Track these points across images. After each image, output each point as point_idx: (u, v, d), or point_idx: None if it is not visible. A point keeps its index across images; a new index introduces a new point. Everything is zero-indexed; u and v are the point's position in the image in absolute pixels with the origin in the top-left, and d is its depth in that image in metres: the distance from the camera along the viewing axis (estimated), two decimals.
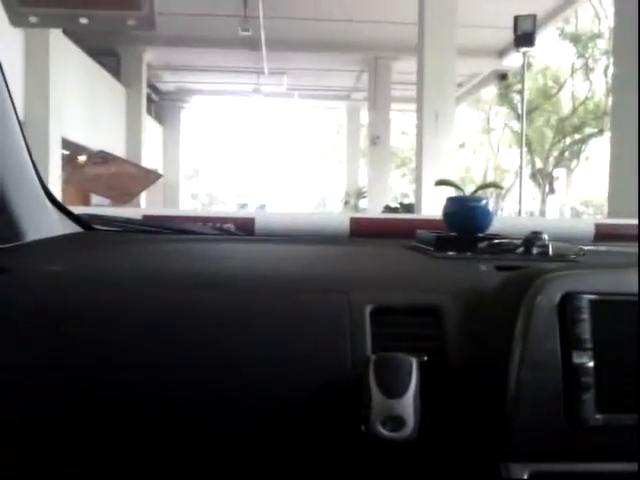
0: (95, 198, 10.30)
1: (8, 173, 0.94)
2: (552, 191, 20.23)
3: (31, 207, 1.03)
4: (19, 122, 0.97)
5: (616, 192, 5.14)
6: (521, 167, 8.18)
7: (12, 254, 0.94)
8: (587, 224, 1.75)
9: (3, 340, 0.72)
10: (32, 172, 1.03)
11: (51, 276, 0.83)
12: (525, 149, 8.54)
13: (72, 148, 10.24)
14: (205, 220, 1.60)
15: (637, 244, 1.38)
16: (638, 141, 4.60)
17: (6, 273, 0.81)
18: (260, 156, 34.19)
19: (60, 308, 0.76)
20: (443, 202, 1.16)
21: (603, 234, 1.77)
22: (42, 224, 1.07)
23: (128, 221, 1.35)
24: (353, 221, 1.67)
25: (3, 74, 0.89)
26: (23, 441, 0.71)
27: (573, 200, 23.11)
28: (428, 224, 1.43)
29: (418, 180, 8.60)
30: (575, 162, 20.49)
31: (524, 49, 7.34)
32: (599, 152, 18.10)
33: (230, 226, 1.59)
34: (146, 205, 12.34)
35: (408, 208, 11.19)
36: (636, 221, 1.91)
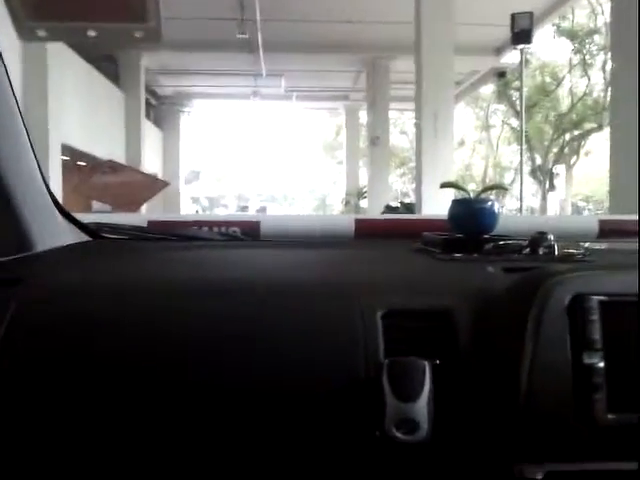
0: (96, 204, 10.32)
1: (18, 183, 0.95)
2: (552, 187, 20.24)
3: (40, 217, 1.03)
4: (28, 133, 0.97)
5: (617, 188, 5.15)
6: (521, 164, 8.20)
7: (24, 264, 0.94)
8: (591, 221, 1.76)
9: (21, 350, 0.73)
10: (41, 182, 1.03)
11: (64, 286, 0.83)
12: (525, 146, 8.55)
13: (72, 154, 10.25)
14: (210, 224, 1.60)
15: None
16: (638, 139, 4.60)
17: (20, 284, 0.82)
18: (260, 158, 34.21)
19: (73, 318, 0.77)
20: (443, 201, 1.17)
21: (607, 230, 1.78)
22: (51, 234, 1.07)
23: (135, 229, 1.36)
24: (358, 223, 1.68)
25: (11, 86, 0.89)
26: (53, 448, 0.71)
27: (573, 196, 23.11)
28: (432, 225, 1.43)
29: (418, 179, 8.61)
30: (575, 158, 20.51)
31: (521, 46, 7.36)
32: (599, 147, 18.13)
33: (236, 230, 1.59)
34: (147, 209, 12.37)
35: (409, 207, 11.19)
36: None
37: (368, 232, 1.66)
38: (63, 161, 9.57)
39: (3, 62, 0.85)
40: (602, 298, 0.70)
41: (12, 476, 0.71)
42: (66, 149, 9.70)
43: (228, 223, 1.60)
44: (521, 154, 8.14)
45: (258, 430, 0.71)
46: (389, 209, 11.65)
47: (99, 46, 9.58)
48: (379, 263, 1.04)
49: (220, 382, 0.72)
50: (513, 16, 7.21)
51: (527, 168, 17.91)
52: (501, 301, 0.77)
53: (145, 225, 1.53)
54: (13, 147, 0.94)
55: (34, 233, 1.00)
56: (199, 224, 1.61)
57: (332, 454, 0.71)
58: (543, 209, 19.56)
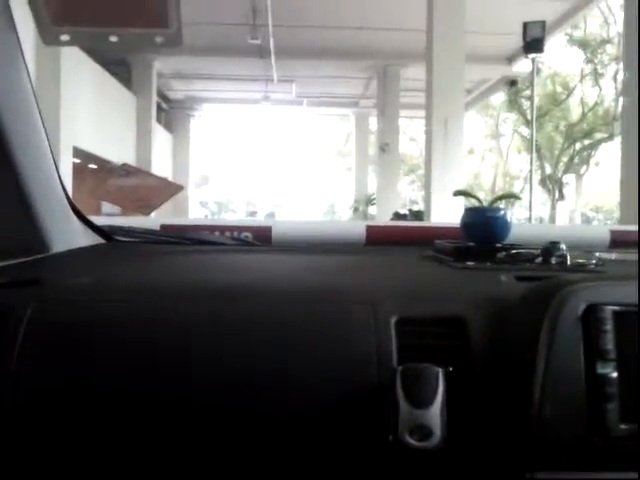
0: (105, 207, 10.36)
1: (36, 186, 0.96)
2: (562, 197, 20.16)
3: (57, 219, 1.04)
4: (47, 134, 0.99)
5: (628, 198, 5.13)
6: (531, 173, 8.18)
7: (41, 266, 0.95)
8: (602, 231, 1.76)
9: (39, 349, 0.74)
10: (58, 184, 1.05)
11: (80, 288, 0.84)
12: (534, 155, 8.53)
13: (82, 156, 10.30)
14: (223, 229, 1.61)
15: None
16: (638, 143, 4.59)
17: (37, 284, 0.83)
18: (269, 163, 34.23)
19: (89, 319, 0.78)
20: (452, 209, 1.17)
21: (618, 241, 1.78)
22: (67, 236, 1.08)
23: (148, 232, 1.37)
24: (369, 229, 1.68)
25: (31, 85, 0.91)
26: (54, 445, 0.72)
27: (583, 206, 23.00)
28: (443, 232, 1.44)
29: (427, 187, 8.59)
30: (585, 168, 20.43)
31: (533, 55, 7.35)
32: (609, 158, 18.06)
33: (248, 235, 1.60)
34: (154, 213, 12.38)
35: (417, 215, 11.19)
36: None
37: (379, 238, 1.67)
38: (74, 164, 9.62)
39: (27, 68, 0.87)
40: (616, 308, 0.70)
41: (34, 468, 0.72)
42: (77, 152, 9.75)
43: (240, 228, 1.61)
44: (531, 163, 8.13)
45: (270, 434, 0.72)
46: (397, 216, 11.65)
47: (117, 50, 9.63)
48: (392, 270, 1.05)
49: (231, 385, 0.73)
50: (525, 25, 7.21)
51: (537, 177, 17.86)
52: (514, 309, 0.78)
53: (158, 228, 1.54)
54: (34, 152, 0.96)
55: (51, 235, 1.01)
56: (211, 229, 1.62)
57: (345, 460, 0.71)
58: (552, 219, 19.47)
